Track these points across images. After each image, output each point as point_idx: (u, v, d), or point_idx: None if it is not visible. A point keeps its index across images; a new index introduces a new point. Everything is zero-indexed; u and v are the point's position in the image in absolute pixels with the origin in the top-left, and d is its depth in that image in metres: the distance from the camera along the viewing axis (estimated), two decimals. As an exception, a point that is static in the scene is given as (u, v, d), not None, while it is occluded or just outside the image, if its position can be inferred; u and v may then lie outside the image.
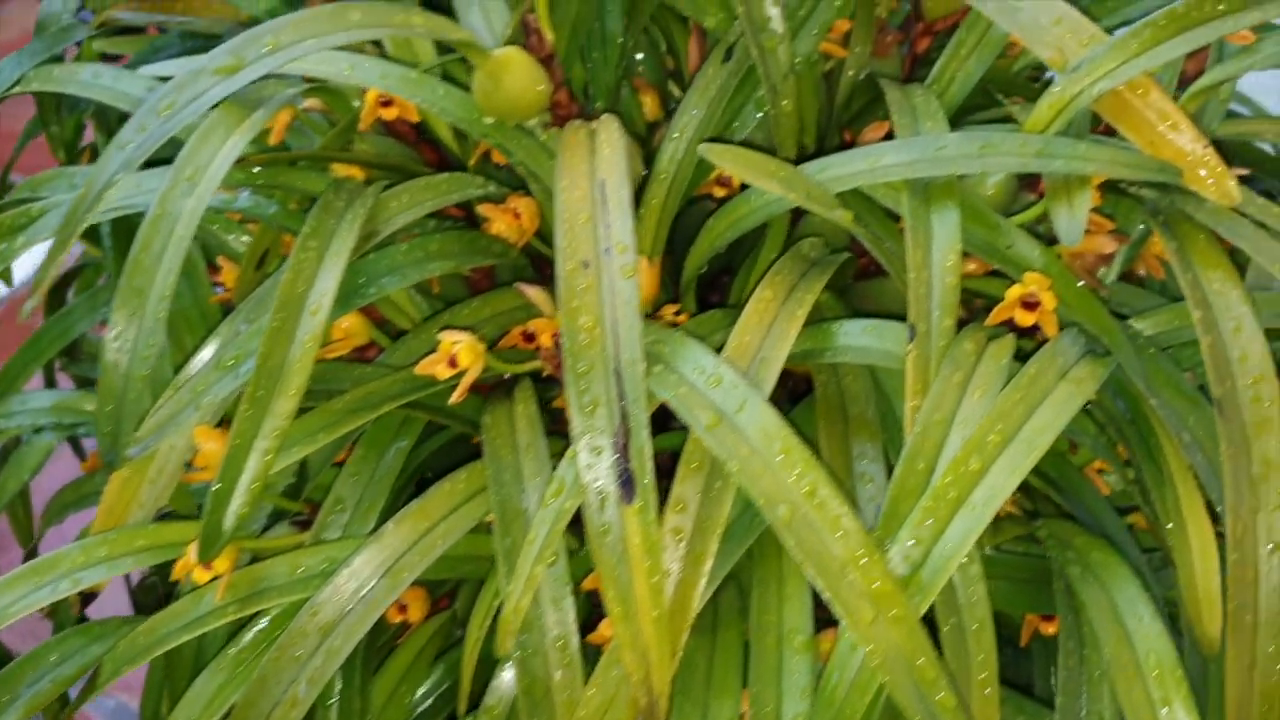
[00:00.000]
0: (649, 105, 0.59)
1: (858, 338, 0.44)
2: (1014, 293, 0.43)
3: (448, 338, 0.44)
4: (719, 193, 0.54)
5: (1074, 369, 0.41)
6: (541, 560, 0.40)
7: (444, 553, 0.45)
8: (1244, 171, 0.56)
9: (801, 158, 0.58)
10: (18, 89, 0.60)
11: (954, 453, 0.38)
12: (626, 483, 0.38)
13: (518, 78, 0.45)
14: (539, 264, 0.54)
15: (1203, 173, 0.44)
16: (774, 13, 0.49)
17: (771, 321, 0.43)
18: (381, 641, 0.52)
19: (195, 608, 0.45)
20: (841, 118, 0.59)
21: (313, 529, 0.47)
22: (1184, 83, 0.54)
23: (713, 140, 0.49)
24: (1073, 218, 0.43)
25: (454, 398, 0.43)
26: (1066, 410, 0.39)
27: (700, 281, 0.58)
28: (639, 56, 0.61)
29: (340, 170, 0.53)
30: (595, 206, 0.41)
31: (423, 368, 0.44)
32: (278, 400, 0.42)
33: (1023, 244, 0.45)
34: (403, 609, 0.51)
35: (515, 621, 0.40)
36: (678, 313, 0.51)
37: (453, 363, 0.44)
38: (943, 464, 0.38)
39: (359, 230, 0.45)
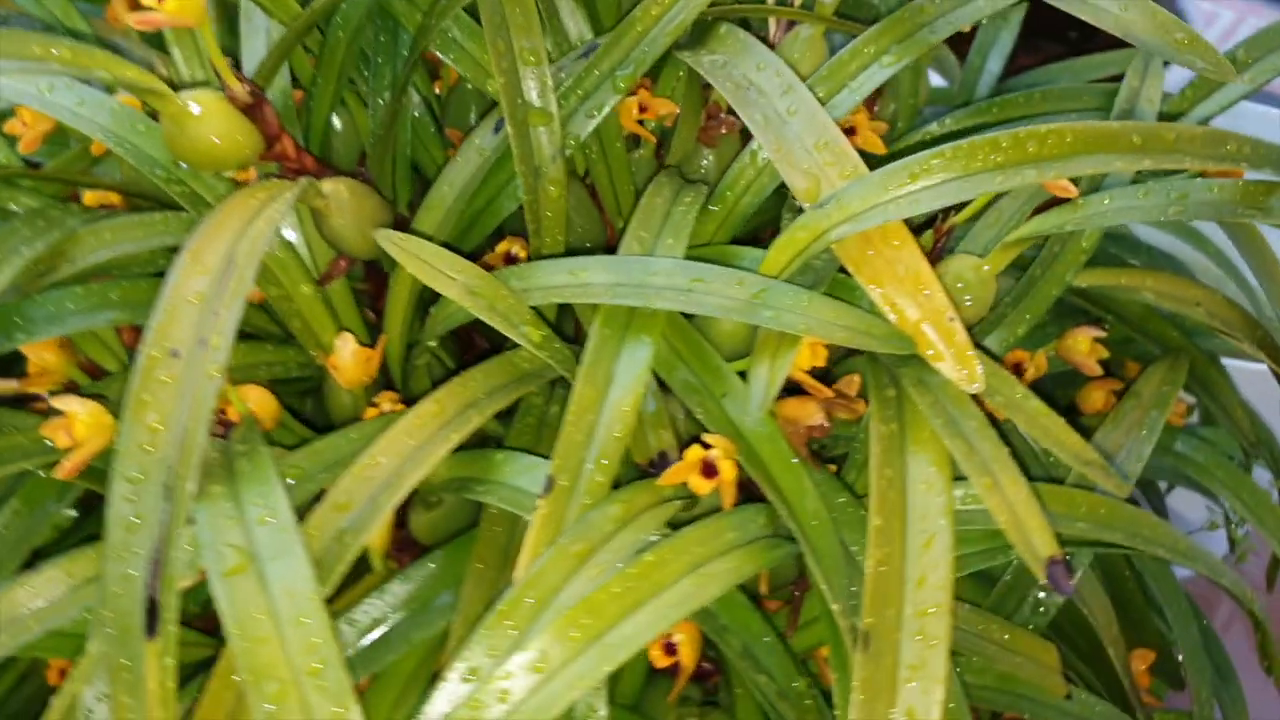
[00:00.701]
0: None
1: (515, 477, 0.38)
2: (693, 454, 0.37)
3: (66, 405, 0.39)
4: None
5: (718, 560, 0.35)
6: (88, 680, 0.36)
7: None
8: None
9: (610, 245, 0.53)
10: None
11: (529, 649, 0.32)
12: (151, 614, 0.33)
13: (208, 127, 0.40)
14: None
15: (948, 350, 0.37)
16: (534, 88, 0.43)
17: (424, 442, 0.38)
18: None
19: None
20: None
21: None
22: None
23: (443, 246, 0.43)
24: (767, 381, 0.37)
25: (61, 474, 0.39)
26: (674, 612, 0.33)
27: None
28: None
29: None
30: (215, 286, 0.36)
31: (45, 430, 0.40)
32: None
33: (738, 396, 0.39)
34: (63, 674, 0.46)
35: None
36: (399, 399, 0.45)
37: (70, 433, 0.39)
38: (515, 663, 0.32)
39: (18, 269, 0.41)
